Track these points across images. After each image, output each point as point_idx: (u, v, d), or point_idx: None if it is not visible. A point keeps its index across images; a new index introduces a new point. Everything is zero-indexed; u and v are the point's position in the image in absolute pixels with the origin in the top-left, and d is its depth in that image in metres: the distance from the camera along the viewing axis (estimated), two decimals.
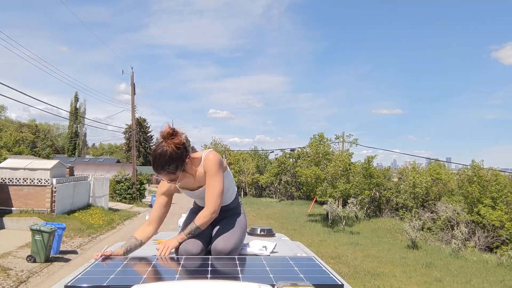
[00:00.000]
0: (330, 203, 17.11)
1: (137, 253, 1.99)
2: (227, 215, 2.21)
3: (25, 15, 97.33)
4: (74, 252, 9.77)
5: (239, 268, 1.64)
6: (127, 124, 44.27)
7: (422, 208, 19.96)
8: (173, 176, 1.97)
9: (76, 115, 51.66)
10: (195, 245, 1.98)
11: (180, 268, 1.63)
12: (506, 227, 15.08)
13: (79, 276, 1.47)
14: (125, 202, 22.84)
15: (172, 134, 1.94)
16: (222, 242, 1.99)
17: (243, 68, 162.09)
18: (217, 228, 2.12)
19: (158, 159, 1.92)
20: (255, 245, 2.14)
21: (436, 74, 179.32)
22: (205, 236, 2.08)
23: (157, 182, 49.76)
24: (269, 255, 2.01)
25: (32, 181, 13.55)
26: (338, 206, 17.86)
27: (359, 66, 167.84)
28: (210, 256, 1.89)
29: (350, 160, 19.88)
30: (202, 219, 2.02)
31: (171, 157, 1.91)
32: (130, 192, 23.67)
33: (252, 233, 2.69)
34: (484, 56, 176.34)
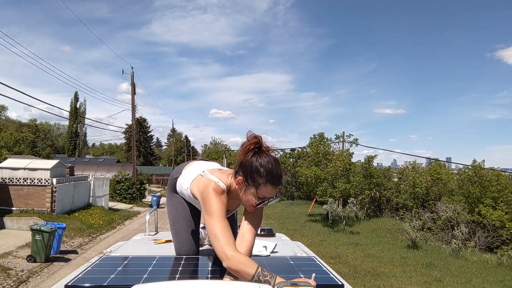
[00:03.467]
0: (330, 203, 17.11)
1: (137, 253, 1.99)
2: None
3: (24, 11, 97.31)
4: (74, 252, 9.77)
5: None
6: (127, 124, 44.34)
7: (422, 208, 19.95)
8: None
9: (76, 115, 51.66)
10: (192, 248, 1.98)
11: (180, 268, 1.63)
12: (506, 227, 15.07)
13: (79, 276, 1.47)
14: (125, 202, 22.84)
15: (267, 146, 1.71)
16: None
17: (246, 67, 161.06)
18: None
19: (279, 165, 1.68)
20: (255, 245, 2.14)
21: (439, 73, 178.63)
22: (197, 237, 2.08)
23: (157, 182, 49.66)
24: (269, 255, 2.01)
25: (32, 181, 13.56)
26: (338, 206, 17.86)
27: (364, 64, 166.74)
28: (210, 256, 1.89)
29: (350, 160, 19.89)
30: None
31: None
32: (130, 192, 23.67)
33: None
34: (488, 55, 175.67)
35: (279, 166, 1.65)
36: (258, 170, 1.59)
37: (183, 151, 66.59)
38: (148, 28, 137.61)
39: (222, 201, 1.62)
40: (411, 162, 25.39)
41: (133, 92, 25.14)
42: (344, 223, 16.12)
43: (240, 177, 1.64)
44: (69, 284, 1.38)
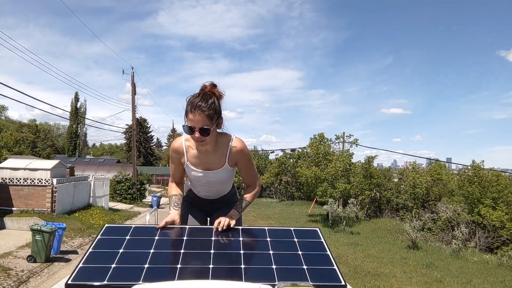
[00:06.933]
0: (331, 203, 17.12)
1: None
2: (225, 203, 2.23)
3: (23, 3, 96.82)
4: (75, 252, 9.77)
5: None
6: (127, 124, 44.36)
7: (422, 208, 19.96)
8: (208, 122, 1.76)
9: (76, 115, 51.68)
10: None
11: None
12: (506, 228, 15.07)
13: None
14: (125, 202, 22.83)
15: (215, 85, 1.85)
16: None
17: (255, 62, 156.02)
18: (217, 214, 2.12)
19: (204, 96, 1.77)
20: None
21: (449, 71, 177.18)
22: (202, 222, 2.14)
23: (158, 182, 49.73)
24: None
25: (33, 181, 13.55)
26: (338, 207, 17.87)
27: (378, 60, 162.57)
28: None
29: (350, 160, 19.89)
30: (253, 196, 2.05)
31: (215, 101, 1.80)
32: (131, 192, 23.66)
33: None
34: (494, 54, 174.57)
35: (203, 97, 1.76)
36: (186, 103, 1.79)
37: None
38: (155, 19, 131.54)
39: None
40: (411, 163, 25.41)
41: (134, 93, 25.13)
42: (344, 223, 16.12)
43: None
44: (70, 282, 1.38)
